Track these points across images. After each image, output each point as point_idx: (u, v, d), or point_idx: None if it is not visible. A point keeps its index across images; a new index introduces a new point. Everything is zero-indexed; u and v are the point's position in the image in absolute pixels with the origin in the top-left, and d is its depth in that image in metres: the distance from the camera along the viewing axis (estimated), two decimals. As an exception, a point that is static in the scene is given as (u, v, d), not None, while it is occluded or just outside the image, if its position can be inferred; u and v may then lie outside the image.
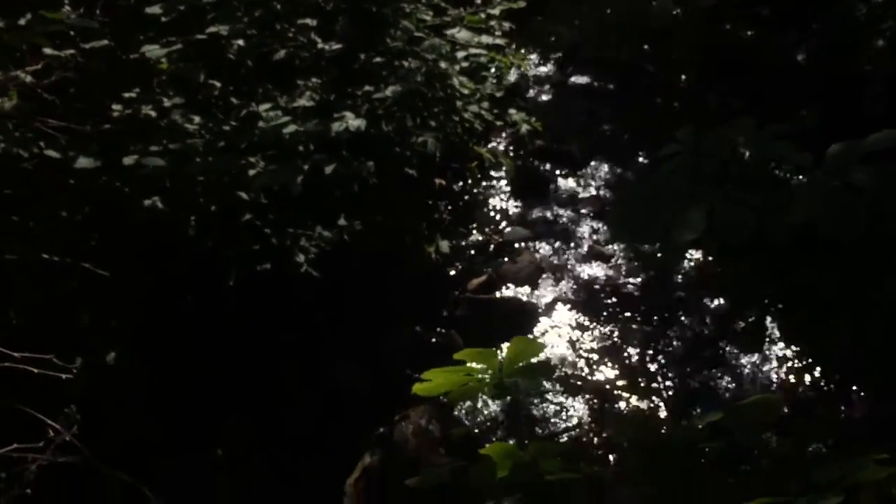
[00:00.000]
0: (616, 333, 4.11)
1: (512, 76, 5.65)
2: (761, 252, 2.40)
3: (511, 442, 2.32)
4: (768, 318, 3.18)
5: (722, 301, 4.01)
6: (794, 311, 2.43)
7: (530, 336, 3.54)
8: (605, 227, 4.89)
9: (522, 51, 5.83)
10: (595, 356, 3.89)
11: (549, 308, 4.34)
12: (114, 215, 3.33)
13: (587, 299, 4.38)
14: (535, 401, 3.49)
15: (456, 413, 3.78)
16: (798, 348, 3.70)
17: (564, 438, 3.06)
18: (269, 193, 3.51)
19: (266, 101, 3.41)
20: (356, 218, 3.71)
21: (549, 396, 3.55)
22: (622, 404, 3.18)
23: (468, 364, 2.43)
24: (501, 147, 5.44)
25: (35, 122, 2.98)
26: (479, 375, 2.43)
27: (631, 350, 3.96)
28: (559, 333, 4.15)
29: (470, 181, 5.12)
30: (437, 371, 2.43)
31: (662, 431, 2.40)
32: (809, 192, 2.31)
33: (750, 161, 2.55)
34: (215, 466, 3.49)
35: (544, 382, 2.37)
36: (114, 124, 3.24)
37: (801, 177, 2.47)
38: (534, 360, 2.39)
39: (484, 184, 5.20)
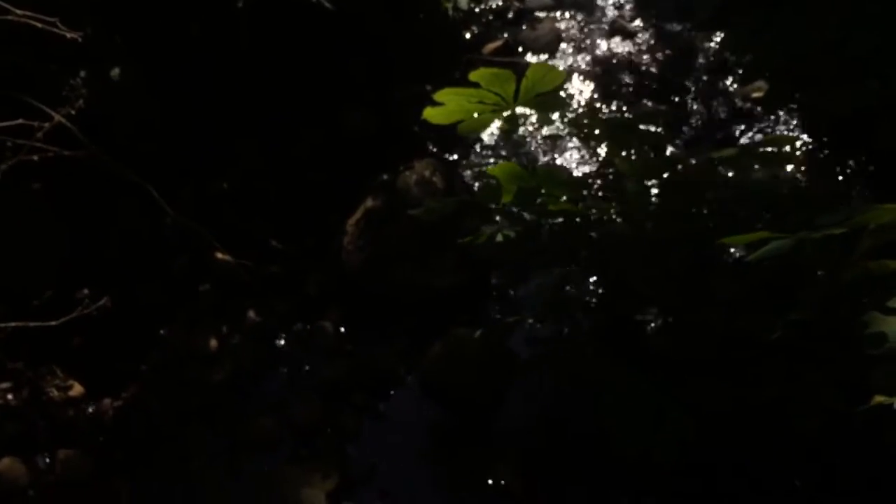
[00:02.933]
0: (630, 108, 4.02)
1: None
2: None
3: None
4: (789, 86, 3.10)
5: (739, 77, 3.89)
6: (825, 64, 2.35)
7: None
8: (631, 2, 4.67)
9: None
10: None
11: (566, 79, 4.21)
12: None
13: (605, 73, 4.25)
14: (545, 153, 3.46)
15: (460, 170, 3.77)
16: (805, 127, 3.64)
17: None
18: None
19: None
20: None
21: (559, 148, 3.52)
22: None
23: (483, 90, 2.38)
24: None
25: None
26: (493, 104, 2.38)
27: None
28: (574, 102, 4.06)
29: (494, -59, 4.81)
30: (450, 92, 2.38)
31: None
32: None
33: None
34: (221, 196, 3.53)
35: (560, 116, 2.30)
36: None
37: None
38: (553, 89, 2.34)
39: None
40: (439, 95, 2.33)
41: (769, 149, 2.15)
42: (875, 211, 1.95)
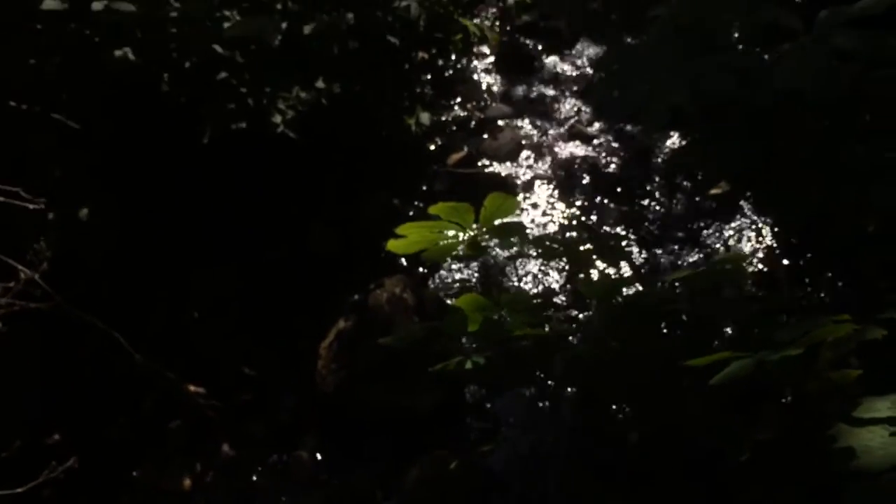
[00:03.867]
0: (592, 210, 4.11)
1: (501, -54, 5.44)
2: (744, 115, 2.38)
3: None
4: (740, 191, 3.20)
5: (698, 178, 4.00)
6: (770, 176, 2.43)
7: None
8: (588, 107, 4.82)
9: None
10: (571, 230, 3.92)
11: (529, 185, 4.32)
12: (85, 66, 3.21)
13: (567, 177, 4.36)
14: (509, 266, 3.52)
15: (430, 283, 3.81)
16: (766, 224, 3.74)
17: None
18: (245, 52, 3.40)
19: (242, -49, 3.26)
20: (335, 82, 3.62)
21: (523, 262, 3.58)
22: (595, 271, 3.22)
23: (443, 221, 2.43)
24: (487, 20, 5.28)
25: (-3, -41, 2.84)
26: (455, 233, 2.44)
27: (606, 226, 3.98)
28: (537, 209, 4.15)
29: (454, 55, 4.99)
30: (412, 225, 2.43)
31: (631, 292, 2.45)
32: (796, 56, 2.28)
33: (739, 25, 2.50)
34: (189, 325, 3.52)
35: (519, 243, 2.37)
36: (81, -32, 3.08)
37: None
38: (510, 217, 2.40)
39: (467, 58, 5.08)
40: (401, 229, 2.38)
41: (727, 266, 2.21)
42: (830, 326, 1.99)
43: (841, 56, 2.23)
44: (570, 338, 2.40)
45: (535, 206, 4.19)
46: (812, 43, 2.26)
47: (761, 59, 2.44)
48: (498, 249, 3.55)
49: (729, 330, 2.21)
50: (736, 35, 2.62)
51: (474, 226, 2.38)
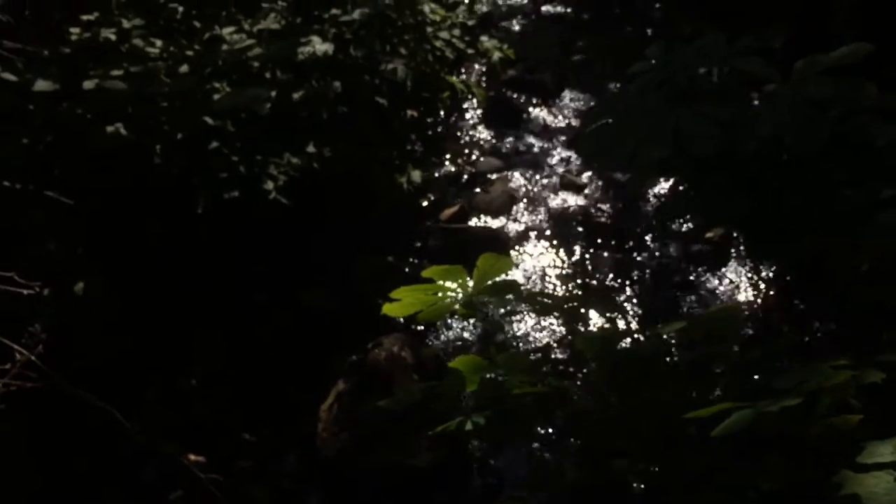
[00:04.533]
0: (587, 260, 4.13)
1: (484, 4, 5.56)
2: (729, 166, 2.41)
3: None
4: (734, 235, 3.23)
5: (690, 225, 4.04)
6: (759, 225, 2.46)
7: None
8: (577, 157, 4.88)
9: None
10: (566, 281, 3.94)
11: (522, 237, 4.35)
12: (77, 142, 3.26)
13: (559, 228, 4.39)
14: (506, 322, 3.53)
15: (428, 341, 3.81)
16: (762, 267, 3.76)
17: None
18: (235, 120, 3.46)
19: (230, 25, 3.33)
20: (325, 146, 3.67)
21: (519, 317, 3.59)
22: (591, 324, 3.22)
23: (437, 283, 2.44)
24: (473, 77, 5.38)
25: (-10, 44, 2.90)
26: (449, 294, 2.44)
27: (600, 275, 4.00)
28: (531, 261, 4.18)
29: (442, 112, 5.07)
30: (406, 289, 2.43)
31: (627, 345, 2.45)
32: (775, 105, 2.32)
33: (718, 76, 2.55)
34: (189, 391, 3.51)
35: (514, 301, 2.37)
36: (72, 48, 3.15)
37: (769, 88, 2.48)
38: (503, 276, 2.41)
39: (456, 114, 5.15)
40: (396, 293, 2.38)
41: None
42: (829, 372, 1.99)
43: (820, 104, 2.27)
44: (570, 392, 2.39)
45: (528, 257, 4.21)
46: (790, 92, 2.30)
47: (741, 108, 2.48)
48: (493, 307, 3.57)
49: (727, 376, 2.21)
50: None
51: (469, 286, 2.39)
